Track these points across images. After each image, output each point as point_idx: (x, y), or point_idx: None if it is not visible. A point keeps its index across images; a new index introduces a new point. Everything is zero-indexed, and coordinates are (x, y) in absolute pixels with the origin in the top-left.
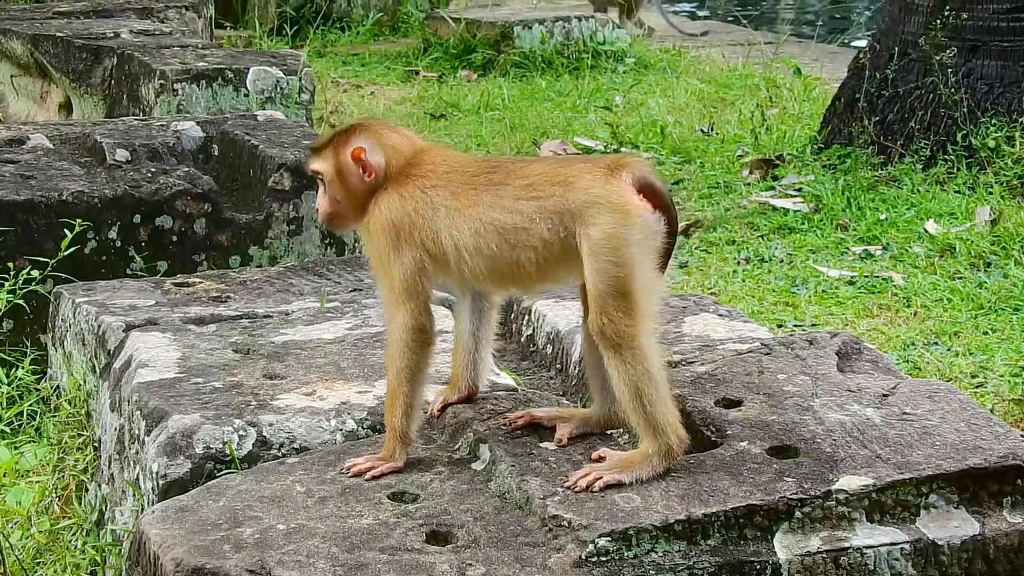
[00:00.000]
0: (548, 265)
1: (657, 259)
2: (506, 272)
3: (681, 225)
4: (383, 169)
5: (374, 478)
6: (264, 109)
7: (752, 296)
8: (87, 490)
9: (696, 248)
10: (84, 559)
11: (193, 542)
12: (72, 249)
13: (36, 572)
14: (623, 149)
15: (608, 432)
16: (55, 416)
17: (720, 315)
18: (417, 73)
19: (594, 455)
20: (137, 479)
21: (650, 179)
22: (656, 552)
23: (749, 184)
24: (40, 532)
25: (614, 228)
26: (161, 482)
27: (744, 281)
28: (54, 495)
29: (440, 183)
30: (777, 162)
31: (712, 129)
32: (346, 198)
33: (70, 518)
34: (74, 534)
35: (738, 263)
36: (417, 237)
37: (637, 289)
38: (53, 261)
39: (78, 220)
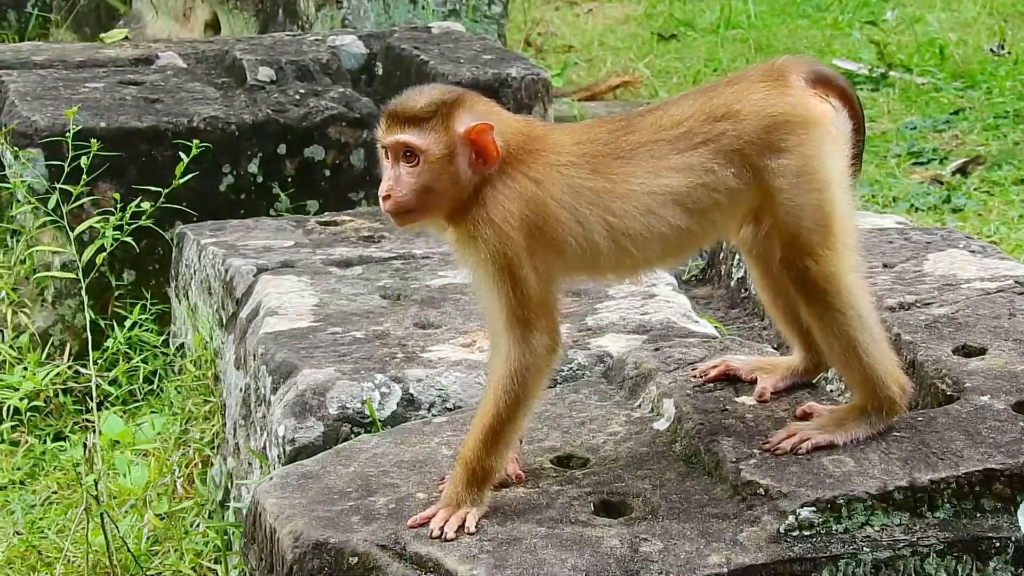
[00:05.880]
0: (732, 219)
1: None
2: (680, 247)
3: (958, 161)
4: (499, 156)
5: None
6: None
7: None
8: (212, 465)
9: (975, 189)
10: (206, 545)
11: (316, 513)
12: (189, 176)
13: (151, 563)
14: (892, 73)
15: (817, 384)
16: (178, 380)
17: (971, 251)
18: None
19: (799, 411)
20: (264, 447)
21: (822, 71)
22: (871, 525)
23: None
24: (156, 516)
25: (810, 147)
26: (288, 448)
27: None
28: (174, 473)
29: (574, 159)
30: None
31: (1004, 48)
32: (448, 187)
33: (192, 498)
34: (196, 516)
35: None
36: (559, 234)
37: (839, 215)
38: (166, 191)
39: (195, 142)
